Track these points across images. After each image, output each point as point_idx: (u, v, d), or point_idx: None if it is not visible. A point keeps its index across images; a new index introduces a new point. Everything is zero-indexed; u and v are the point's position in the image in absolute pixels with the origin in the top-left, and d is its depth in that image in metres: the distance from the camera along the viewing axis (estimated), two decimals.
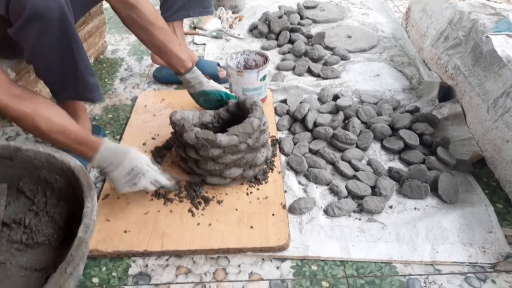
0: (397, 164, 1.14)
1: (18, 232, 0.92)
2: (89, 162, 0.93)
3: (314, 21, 1.92)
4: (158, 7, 1.32)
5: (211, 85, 1.17)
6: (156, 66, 1.53)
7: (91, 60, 1.61)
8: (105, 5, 1.37)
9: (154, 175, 0.94)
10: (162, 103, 1.36)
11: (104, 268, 0.88)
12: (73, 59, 0.98)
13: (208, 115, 1.10)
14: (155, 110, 1.33)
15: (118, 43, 1.81)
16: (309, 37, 1.73)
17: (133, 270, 0.88)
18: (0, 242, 0.91)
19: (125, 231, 0.93)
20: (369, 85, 1.46)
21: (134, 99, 1.42)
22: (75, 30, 0.96)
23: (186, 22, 1.89)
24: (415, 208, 1.01)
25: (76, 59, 0.99)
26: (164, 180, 0.96)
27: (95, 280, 0.86)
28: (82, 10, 1.18)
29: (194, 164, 1.03)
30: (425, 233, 0.94)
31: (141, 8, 1.04)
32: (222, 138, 0.95)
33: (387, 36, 1.80)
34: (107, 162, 0.91)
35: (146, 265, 0.89)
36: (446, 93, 1.34)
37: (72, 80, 1.02)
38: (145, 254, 0.90)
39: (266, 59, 1.30)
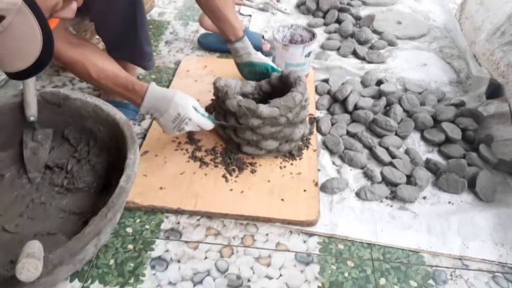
0: (435, 157, 1.12)
1: (60, 176, 0.97)
2: (138, 108, 0.96)
3: (364, 3, 1.87)
4: None
5: (259, 57, 1.17)
6: (202, 31, 1.53)
7: None
8: None
9: (199, 121, 0.96)
10: (204, 69, 1.37)
11: (138, 220, 0.92)
12: (135, 25, 1.03)
13: (250, 86, 1.11)
14: (197, 76, 1.34)
15: (166, 6, 1.82)
16: (357, 18, 1.69)
17: (165, 225, 0.91)
18: (42, 183, 0.96)
19: (161, 188, 0.96)
20: (415, 74, 1.42)
21: (177, 63, 1.43)
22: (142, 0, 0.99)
23: None
24: (449, 202, 0.99)
25: (138, 26, 1.04)
26: (209, 126, 0.99)
27: (129, 230, 0.90)
28: None
29: (232, 132, 1.04)
30: (457, 227, 0.93)
31: None
32: (264, 109, 0.96)
33: (438, 26, 1.73)
34: (154, 108, 0.94)
35: (178, 222, 0.92)
36: (494, 91, 1.29)
37: (130, 45, 1.08)
38: (178, 212, 0.93)
39: (313, 36, 1.28)
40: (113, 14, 1.00)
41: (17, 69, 0.64)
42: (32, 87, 0.92)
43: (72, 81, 1.33)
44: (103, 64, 0.96)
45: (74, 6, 0.71)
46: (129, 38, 1.07)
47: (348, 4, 1.79)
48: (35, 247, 0.63)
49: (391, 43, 1.58)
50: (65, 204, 0.92)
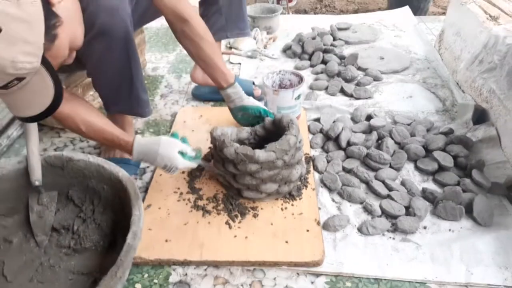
0: (431, 185, 1.14)
1: (66, 237, 0.98)
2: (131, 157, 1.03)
3: (347, 42, 1.96)
4: None
5: (251, 101, 1.22)
6: (195, 84, 1.59)
7: None
8: (146, 25, 1.46)
9: (186, 165, 1.03)
10: (200, 119, 1.42)
11: (146, 275, 0.93)
12: (131, 75, 1.07)
13: (245, 132, 1.15)
14: (194, 126, 1.39)
15: (158, 61, 1.90)
16: (342, 58, 1.77)
17: (174, 278, 0.92)
18: (50, 246, 0.97)
19: (166, 240, 0.97)
20: (402, 106, 1.48)
21: (173, 115, 1.48)
22: (136, 48, 1.05)
23: (223, 42, 1.95)
24: (449, 230, 1.01)
25: (133, 75, 1.08)
26: (195, 165, 1.06)
27: (138, 286, 0.91)
28: (136, 27, 1.27)
29: (231, 178, 1.07)
30: (460, 254, 0.94)
31: (193, 23, 1.10)
32: (260, 154, 0.99)
33: (419, 58, 1.82)
34: (144, 159, 1.02)
35: (186, 274, 0.93)
36: (480, 116, 1.34)
37: (127, 95, 1.11)
38: (185, 263, 0.94)
39: (301, 79, 1.34)
40: (108, 65, 1.04)
41: (28, 115, 0.76)
42: (36, 152, 0.95)
43: (73, 142, 1.37)
44: (93, 119, 1.00)
45: (73, 54, 0.83)
46: (125, 88, 1.10)
47: (332, 45, 1.88)
48: None
49: (376, 78, 1.65)
50: (73, 265, 0.93)
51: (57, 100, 0.75)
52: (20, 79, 0.69)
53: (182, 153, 1.01)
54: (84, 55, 1.00)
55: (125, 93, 1.10)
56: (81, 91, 1.40)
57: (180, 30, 1.12)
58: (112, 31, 0.96)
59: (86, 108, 1.01)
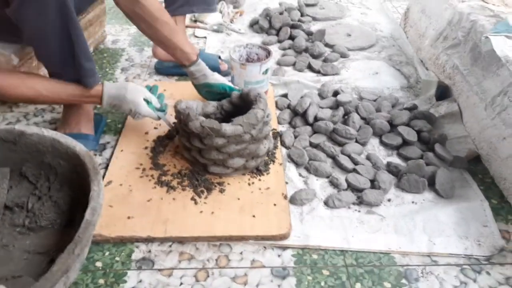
0: (395, 160, 1.16)
1: (20, 216, 0.92)
2: (100, 105, 1.09)
3: (314, 19, 1.94)
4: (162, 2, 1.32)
5: (215, 78, 1.18)
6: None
7: (90, 49, 1.61)
8: None
9: (148, 113, 1.11)
10: (164, 93, 1.37)
11: (107, 253, 0.89)
12: (70, 42, 0.98)
13: (211, 106, 1.12)
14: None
15: (119, 33, 1.81)
16: (309, 33, 1.75)
17: (136, 255, 0.89)
18: (3, 225, 0.91)
19: (128, 217, 0.94)
20: (368, 83, 1.48)
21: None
22: (73, 13, 0.95)
23: (188, 15, 1.89)
24: (412, 202, 1.03)
25: (74, 42, 0.99)
26: (155, 116, 1.13)
27: (99, 264, 0.87)
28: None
29: (197, 154, 1.04)
30: (423, 225, 0.96)
31: (144, 3, 1.03)
32: (227, 127, 0.97)
33: (385, 36, 1.82)
34: (112, 104, 1.08)
35: (149, 251, 0.90)
36: (443, 92, 1.37)
37: (69, 63, 1.02)
38: (148, 240, 0.91)
39: (268, 53, 1.31)
40: (44, 32, 0.96)
41: None
42: None
43: (26, 117, 1.29)
44: (53, 81, 1.01)
45: None
46: (66, 55, 1.01)
47: (299, 20, 1.85)
48: None
49: (343, 55, 1.64)
50: (29, 245, 0.88)
51: None
52: None
53: (147, 101, 1.09)
54: (18, 22, 0.92)
55: (67, 62, 1.01)
56: (36, 64, 1.30)
57: (131, 12, 1.05)
58: None
59: (42, 76, 0.96)
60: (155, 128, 1.21)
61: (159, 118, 1.15)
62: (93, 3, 1.54)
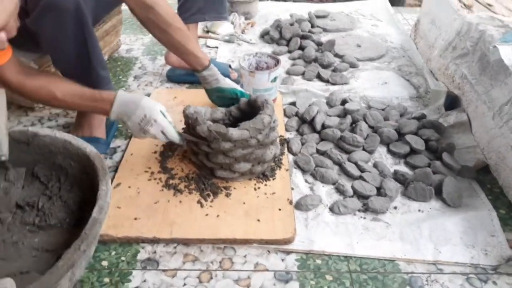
0: (402, 168, 1.16)
1: (31, 214, 0.95)
2: (108, 117, 0.99)
3: (325, 30, 1.96)
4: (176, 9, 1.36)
5: (227, 83, 1.21)
6: (169, 67, 1.56)
7: (105, 57, 1.65)
8: (123, 6, 1.42)
9: (165, 124, 1.00)
10: (174, 100, 1.40)
11: (113, 253, 0.91)
12: (87, 51, 1.03)
13: (219, 112, 1.13)
14: (168, 107, 1.32)
15: (133, 43, 1.86)
16: (319, 44, 1.77)
17: (142, 255, 0.90)
18: (13, 223, 0.94)
19: (135, 218, 0.95)
20: (377, 92, 1.49)
21: (147, 96, 1.45)
22: (90, 23, 1.00)
23: (200, 25, 1.92)
24: (419, 210, 1.03)
25: (90, 51, 1.03)
26: (173, 132, 1.02)
27: (105, 263, 0.89)
28: (106, 9, 1.22)
29: (204, 158, 1.05)
30: (429, 233, 0.96)
31: (158, 9, 1.07)
32: (234, 131, 0.98)
33: (395, 47, 1.83)
34: (123, 112, 0.97)
35: (155, 252, 0.91)
36: (452, 102, 1.36)
37: (86, 72, 1.06)
38: (154, 241, 0.92)
39: (277, 62, 1.33)
40: (62, 41, 0.99)
41: None
42: (3, 127, 0.91)
43: (41, 121, 1.33)
44: (68, 84, 0.98)
45: (2, 35, 0.72)
46: (83, 65, 1.05)
47: (310, 31, 1.87)
48: (7, 284, 0.62)
49: (352, 65, 1.65)
50: (38, 242, 0.90)
51: None
52: None
53: (163, 114, 1.01)
54: (37, 32, 0.96)
55: (83, 70, 1.06)
56: (53, 71, 1.34)
57: (145, 18, 1.08)
58: (60, 5, 0.91)
59: (58, 77, 0.99)
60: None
61: (174, 138, 1.04)
62: (110, 12, 1.59)
